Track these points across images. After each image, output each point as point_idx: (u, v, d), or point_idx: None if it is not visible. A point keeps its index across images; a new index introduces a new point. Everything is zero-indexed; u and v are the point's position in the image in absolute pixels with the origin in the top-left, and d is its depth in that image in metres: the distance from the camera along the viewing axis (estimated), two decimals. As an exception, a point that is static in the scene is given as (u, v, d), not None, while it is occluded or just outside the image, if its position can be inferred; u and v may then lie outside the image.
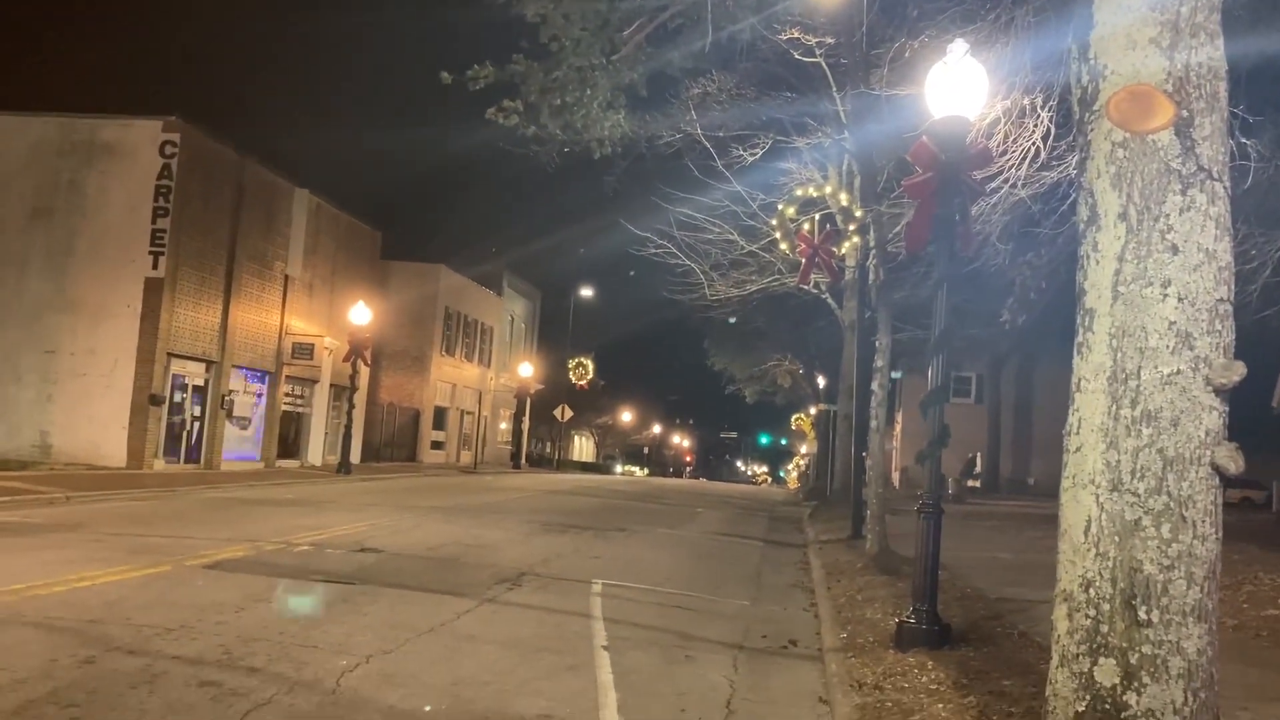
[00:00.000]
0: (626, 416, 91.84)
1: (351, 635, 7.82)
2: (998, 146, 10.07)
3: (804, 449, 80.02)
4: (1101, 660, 4.04)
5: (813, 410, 52.62)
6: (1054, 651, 4.29)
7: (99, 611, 7.90)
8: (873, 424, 15.45)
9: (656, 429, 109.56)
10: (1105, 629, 4.06)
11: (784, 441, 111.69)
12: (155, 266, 25.41)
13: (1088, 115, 4.37)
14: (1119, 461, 4.13)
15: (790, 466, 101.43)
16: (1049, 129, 9.81)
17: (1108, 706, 3.99)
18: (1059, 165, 10.39)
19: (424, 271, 45.68)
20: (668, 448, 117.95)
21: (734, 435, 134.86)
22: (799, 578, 14.37)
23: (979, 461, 44.28)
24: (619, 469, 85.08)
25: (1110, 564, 4.08)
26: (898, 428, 49.02)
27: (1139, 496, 4.07)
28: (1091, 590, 4.12)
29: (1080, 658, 4.11)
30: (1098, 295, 4.28)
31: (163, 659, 6.63)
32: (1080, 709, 4.06)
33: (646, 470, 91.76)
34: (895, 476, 45.44)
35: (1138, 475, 4.09)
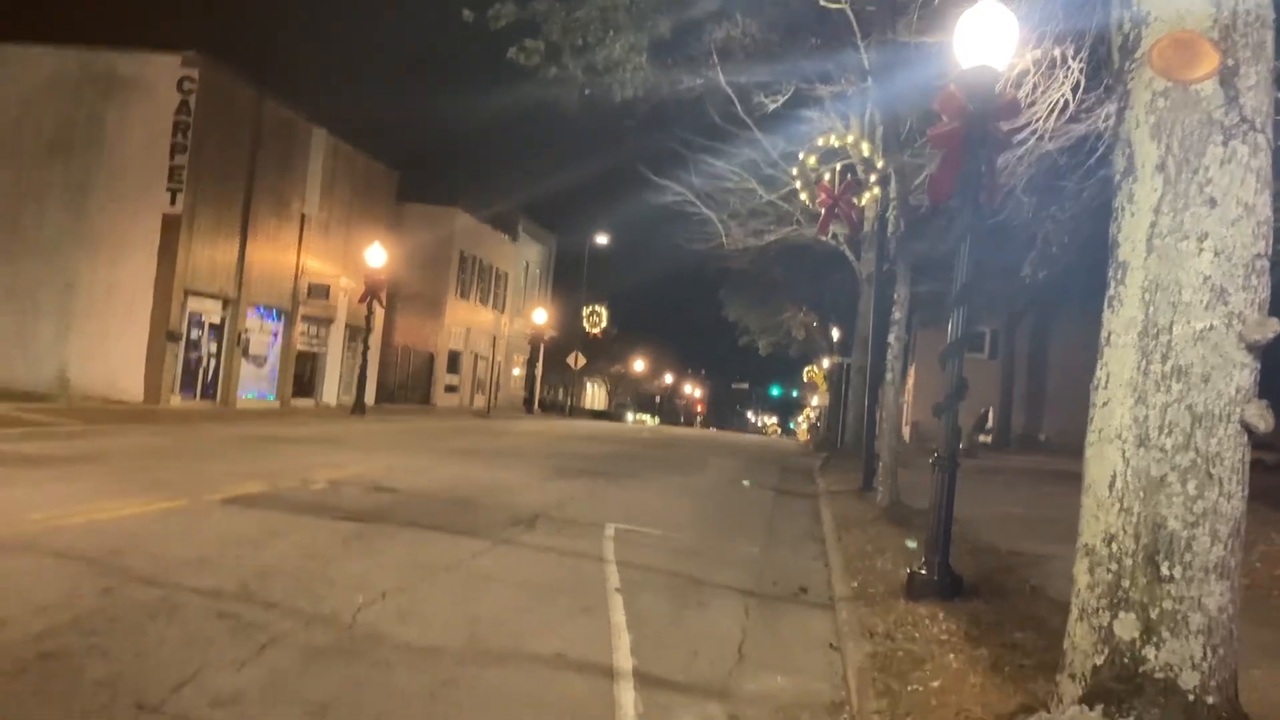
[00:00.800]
0: (639, 365, 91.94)
1: (368, 572, 7.89)
2: (1026, 98, 9.91)
3: (815, 401, 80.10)
4: (1121, 614, 4.04)
5: (826, 363, 52.59)
6: (1073, 605, 4.29)
7: (118, 543, 7.98)
8: (888, 377, 15.41)
9: (668, 378, 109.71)
10: (1126, 584, 4.05)
11: (795, 393, 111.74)
12: (173, 203, 25.38)
13: (1128, 63, 4.27)
14: (1147, 417, 4.10)
15: (800, 418, 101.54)
16: (1079, 80, 9.64)
17: (1126, 660, 3.99)
18: (1088, 118, 10.22)
19: (439, 214, 45.52)
20: (679, 397, 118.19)
21: (745, 386, 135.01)
22: (810, 527, 14.43)
23: (990, 416, 44.27)
24: (630, 417, 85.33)
25: (1134, 519, 4.06)
26: (910, 381, 48.92)
27: (1166, 452, 4.04)
28: (1114, 545, 4.11)
29: (1100, 611, 4.11)
30: (1131, 248, 4.22)
31: (181, 590, 6.70)
32: (1098, 662, 4.06)
33: (658, 419, 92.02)
34: (906, 430, 45.44)
35: (1165, 431, 4.05)
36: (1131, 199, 4.22)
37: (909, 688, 6.04)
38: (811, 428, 73.32)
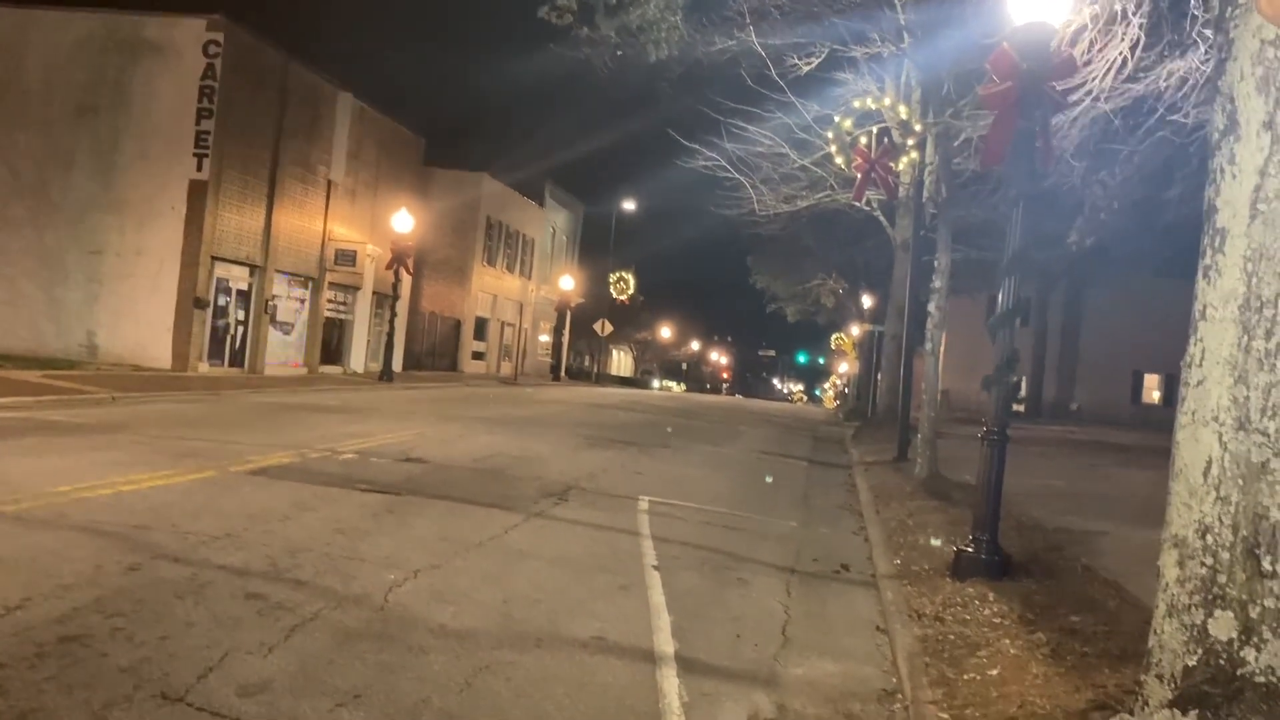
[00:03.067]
0: (665, 332, 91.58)
1: (399, 548, 7.67)
2: (1082, 56, 9.45)
3: (843, 368, 79.54)
4: (1218, 613, 3.72)
5: (855, 330, 52.05)
6: (1160, 600, 3.98)
7: (145, 516, 7.79)
8: (927, 346, 15.04)
9: (695, 345, 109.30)
10: (1223, 579, 3.73)
11: (821, 360, 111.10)
12: (199, 168, 25.18)
13: (1230, 10, 3.90)
14: (1248, 398, 3.75)
15: (826, 385, 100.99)
16: (1139, 37, 9.17)
17: (1222, 662, 3.68)
18: (1146, 77, 9.76)
19: (466, 180, 45.18)
20: (705, 364, 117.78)
21: (772, 353, 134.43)
22: (847, 499, 14.14)
23: (1023, 385, 43.70)
24: (657, 384, 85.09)
25: (1232, 509, 3.74)
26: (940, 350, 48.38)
27: (1269, 437, 3.70)
28: (1209, 537, 3.78)
29: (1193, 609, 3.79)
30: (1232, 214, 3.86)
31: (209, 568, 6.49)
32: (1190, 663, 3.76)
33: (684, 386, 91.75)
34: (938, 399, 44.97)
35: (1269, 413, 3.71)
36: (1233, 160, 3.86)
37: (965, 676, 5.75)
38: (839, 395, 72.86)
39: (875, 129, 19.48)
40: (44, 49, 25.84)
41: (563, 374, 57.61)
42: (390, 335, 32.44)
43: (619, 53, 13.23)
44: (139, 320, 25.16)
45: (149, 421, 14.69)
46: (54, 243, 25.46)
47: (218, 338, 27.12)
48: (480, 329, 48.05)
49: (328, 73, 31.08)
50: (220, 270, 26.64)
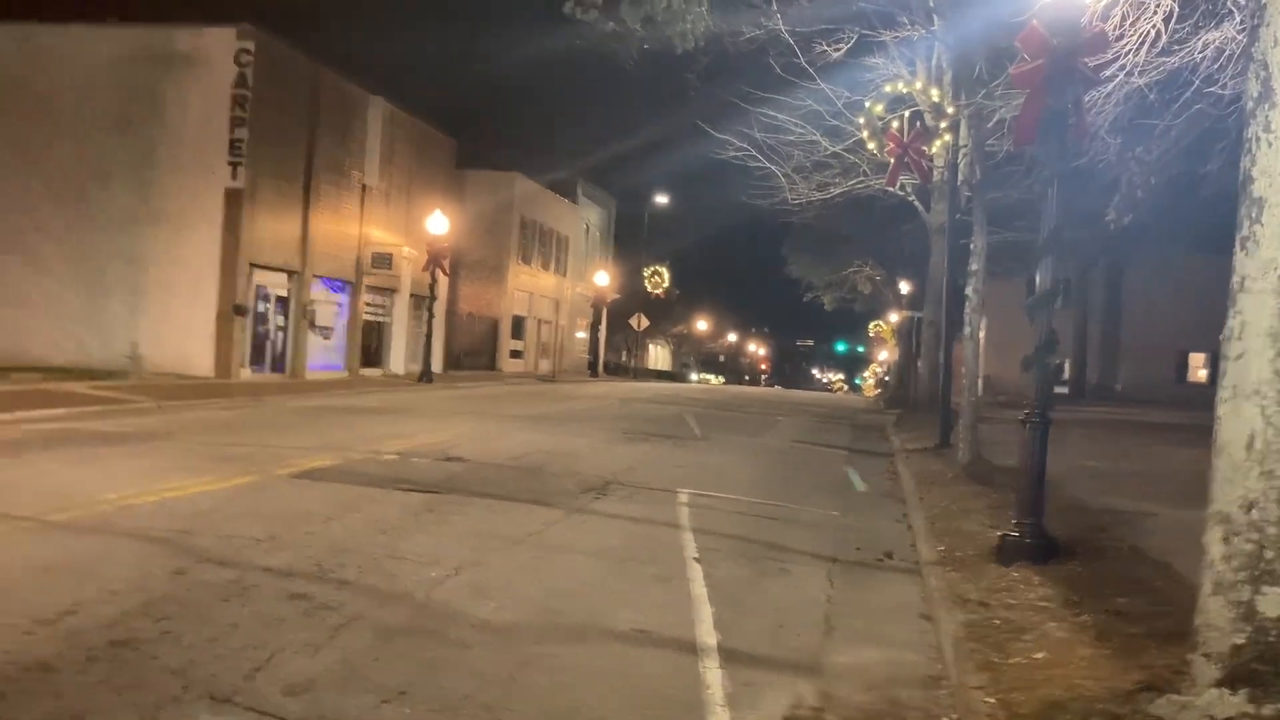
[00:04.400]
0: (702, 325, 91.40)
1: (441, 546, 7.72)
2: (1114, 30, 9.32)
3: (882, 356, 79.00)
4: (1265, 589, 3.66)
5: (894, 317, 51.69)
6: (1205, 578, 3.92)
7: (190, 521, 7.90)
8: (966, 330, 14.91)
9: (732, 337, 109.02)
10: (1270, 555, 3.67)
11: (860, 349, 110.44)
12: (234, 177, 25.45)
13: (1262, -25, 3.81)
14: (1291, 369, 3.68)
15: (866, 373, 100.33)
16: (1172, 9, 9.03)
17: (1272, 639, 3.62)
18: (1180, 50, 9.60)
19: (499, 180, 45.34)
20: (743, 355, 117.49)
21: (810, 343, 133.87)
22: (889, 487, 14.05)
23: (1066, 367, 43.20)
24: (695, 377, 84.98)
25: (1277, 483, 3.67)
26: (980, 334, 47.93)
27: (1313, 408, 3.63)
28: (1254, 512, 3.72)
29: (1239, 586, 3.73)
30: (1269, 182, 3.78)
31: (253, 571, 6.57)
32: (1239, 641, 3.70)
33: (722, 379, 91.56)
34: (979, 384, 44.58)
35: (1312, 385, 3.64)
36: (1269, 127, 3.78)
37: (1010, 660, 5.70)
38: (880, 383, 72.39)
39: (907, 113, 19.29)
40: (79, 65, 26.19)
41: (600, 370, 57.69)
42: (428, 336, 32.65)
43: (645, 46, 13.21)
44: (180, 329, 25.48)
45: (192, 429, 14.89)
46: (96, 254, 25.84)
47: (258, 344, 27.42)
48: (517, 327, 48.23)
49: (358, 76, 31.30)
50: (259, 277, 26.92)
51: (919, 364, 30.74)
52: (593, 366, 57.51)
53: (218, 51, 25.53)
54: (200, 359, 25.26)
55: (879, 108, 18.95)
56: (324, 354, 30.67)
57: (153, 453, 11.92)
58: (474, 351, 44.05)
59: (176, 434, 13.99)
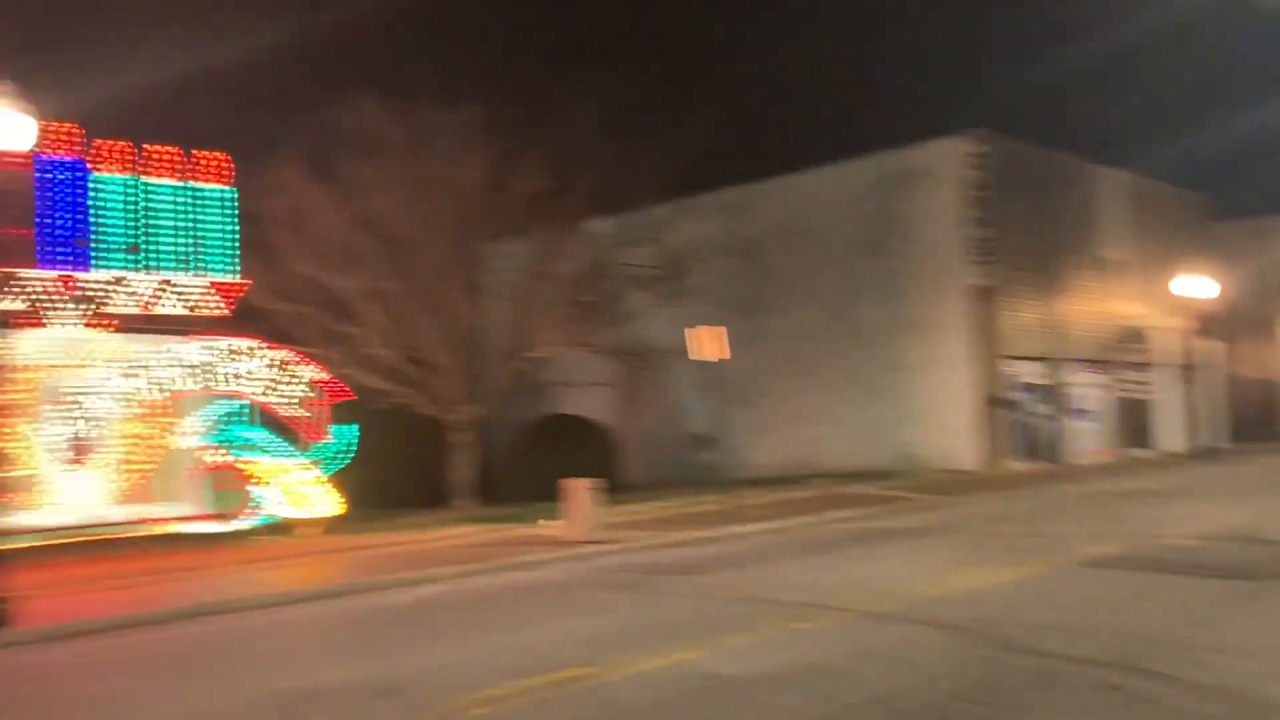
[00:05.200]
0: None
1: (1256, 636, 6.98)
2: None
3: None
4: None
5: None
6: None
7: (986, 609, 8.13)
8: None
9: None
10: None
11: None
12: (979, 275, 26.25)
13: None
14: None
15: None
16: None
17: None
18: None
19: (1260, 226, 40.52)
20: None
21: None
22: None
23: None
24: None
25: None
26: None
27: None
28: None
29: None
30: None
31: (1058, 659, 6.53)
32: None
33: None
34: None
35: None
36: None
37: None
38: None
39: None
40: (827, 199, 29.34)
41: None
42: (1193, 409, 29.97)
43: None
44: (942, 426, 26.60)
45: (967, 521, 15.35)
46: (854, 366, 28.28)
47: (1019, 433, 27.52)
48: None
49: (1085, 152, 30.57)
50: (1011, 368, 27.18)
51: None
52: None
53: (948, 161, 26.83)
54: (964, 453, 26.07)
55: None
56: (1086, 437, 29.75)
57: (934, 546, 12.54)
58: (1264, 420, 39.31)
59: (953, 527, 14.54)
